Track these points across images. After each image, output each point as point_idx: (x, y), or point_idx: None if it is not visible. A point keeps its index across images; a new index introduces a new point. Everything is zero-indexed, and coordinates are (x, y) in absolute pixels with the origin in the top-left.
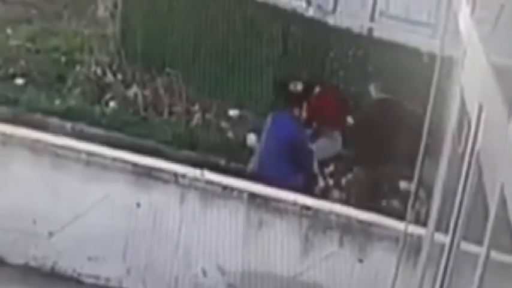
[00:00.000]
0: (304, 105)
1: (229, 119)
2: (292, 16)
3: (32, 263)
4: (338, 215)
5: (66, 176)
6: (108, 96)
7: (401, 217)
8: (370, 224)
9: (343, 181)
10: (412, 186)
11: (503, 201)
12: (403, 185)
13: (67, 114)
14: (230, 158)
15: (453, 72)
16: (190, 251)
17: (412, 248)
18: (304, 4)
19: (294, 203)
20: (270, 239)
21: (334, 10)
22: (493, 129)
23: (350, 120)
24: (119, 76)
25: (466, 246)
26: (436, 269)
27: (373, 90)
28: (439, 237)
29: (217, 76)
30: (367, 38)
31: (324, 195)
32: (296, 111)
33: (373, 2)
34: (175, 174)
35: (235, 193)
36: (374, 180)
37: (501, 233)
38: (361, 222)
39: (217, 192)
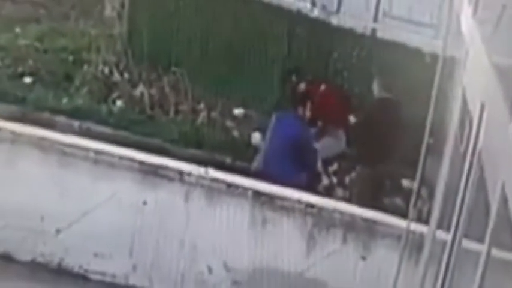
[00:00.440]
0: (309, 104)
1: (234, 117)
2: (297, 16)
3: (40, 260)
4: (342, 213)
5: (74, 174)
6: (115, 95)
7: (403, 215)
8: (373, 222)
9: (347, 179)
10: (415, 185)
11: (504, 200)
12: (405, 183)
13: (74, 113)
14: (235, 156)
15: (455, 72)
16: (195, 248)
17: (415, 245)
18: (308, 5)
19: (299, 201)
20: (275, 236)
21: (338, 11)
22: (494, 129)
23: (353, 119)
24: (126, 75)
25: (467, 243)
26: (438, 266)
27: (376, 90)
28: (441, 235)
29: (223, 75)
30: (370, 39)
31: (328, 193)
32: (300, 110)
33: (377, 3)
34: (181, 172)
35: (240, 191)
36: (377, 178)
37: (502, 231)
38: (364, 220)
39: (223, 190)
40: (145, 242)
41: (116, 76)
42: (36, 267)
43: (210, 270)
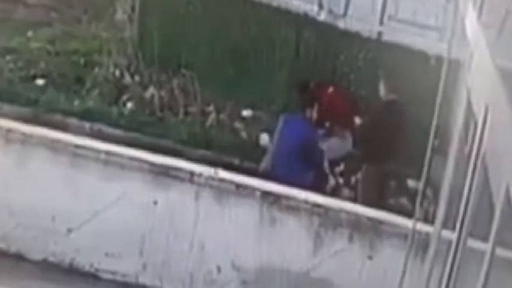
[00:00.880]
0: (316, 106)
1: (242, 119)
2: (304, 20)
3: (51, 259)
4: (348, 213)
5: (85, 175)
6: (125, 97)
7: (409, 215)
8: (379, 222)
9: (353, 180)
10: (420, 185)
11: (508, 200)
12: (411, 183)
13: (86, 115)
14: (243, 157)
15: (460, 75)
16: (205, 247)
17: (420, 245)
18: (315, 8)
19: (306, 201)
20: (282, 236)
21: (344, 14)
22: (498, 131)
23: (360, 120)
24: (136, 78)
25: (472, 243)
26: (443, 265)
27: (382, 92)
28: (446, 234)
29: (232, 78)
30: (376, 41)
31: (335, 193)
32: (308, 112)
33: (382, 7)
34: (191, 173)
35: (248, 191)
36: (383, 178)
37: (506, 231)
38: (370, 219)
39: (231, 190)
40: (156, 241)
41: (127, 78)
42: (48, 267)
43: (219, 269)
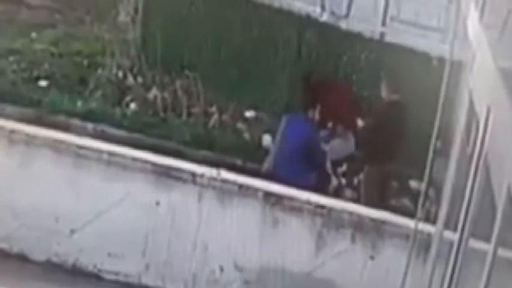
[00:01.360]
0: (318, 107)
1: (245, 120)
2: (307, 21)
3: (54, 260)
4: (350, 213)
5: (88, 176)
6: (128, 98)
7: (411, 215)
8: (381, 222)
9: (356, 180)
10: (422, 186)
11: (510, 201)
12: (413, 184)
13: (89, 116)
14: (246, 158)
15: (462, 75)
16: (207, 248)
17: (422, 245)
18: (318, 9)
19: (308, 202)
20: (285, 237)
21: (347, 15)
22: (500, 131)
23: (362, 121)
24: (139, 79)
25: (474, 243)
26: (445, 265)
27: (385, 93)
28: (448, 234)
29: (234, 79)
30: (378, 42)
31: (337, 194)
32: (310, 113)
33: (385, 8)
34: (193, 174)
35: (251, 192)
36: (385, 179)
37: (508, 231)
38: (372, 220)
39: (234, 191)
40: (158, 242)
41: (130, 80)
42: (51, 267)
43: (221, 269)
